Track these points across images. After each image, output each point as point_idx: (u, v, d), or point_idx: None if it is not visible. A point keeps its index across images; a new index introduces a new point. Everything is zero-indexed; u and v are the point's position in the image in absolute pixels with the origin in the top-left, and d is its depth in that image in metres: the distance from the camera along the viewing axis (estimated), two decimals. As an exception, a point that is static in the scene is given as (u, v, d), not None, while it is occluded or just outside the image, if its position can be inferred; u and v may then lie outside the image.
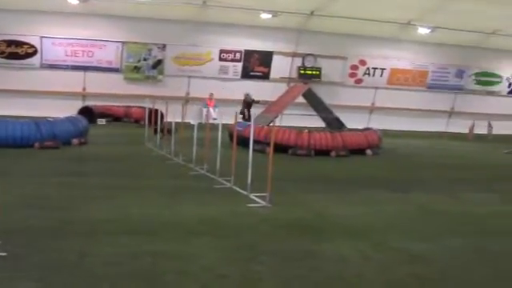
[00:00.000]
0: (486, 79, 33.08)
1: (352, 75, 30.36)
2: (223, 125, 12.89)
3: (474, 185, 13.70)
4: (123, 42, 27.32)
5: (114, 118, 26.45)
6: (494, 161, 19.86)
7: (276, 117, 20.03)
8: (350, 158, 17.63)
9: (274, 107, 21.07)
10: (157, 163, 14.40)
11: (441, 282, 6.16)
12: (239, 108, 23.82)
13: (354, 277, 6.13)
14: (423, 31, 27.91)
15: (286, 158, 16.45)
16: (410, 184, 13.12)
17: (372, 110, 30.68)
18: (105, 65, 27.34)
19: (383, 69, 30.54)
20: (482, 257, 7.27)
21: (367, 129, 20.92)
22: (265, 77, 28.99)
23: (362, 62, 30.28)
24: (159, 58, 27.99)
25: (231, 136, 15.49)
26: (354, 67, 30.31)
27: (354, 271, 6.32)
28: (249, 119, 23.88)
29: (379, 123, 25.90)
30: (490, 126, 30.01)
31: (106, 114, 26.25)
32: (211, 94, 27.11)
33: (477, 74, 32.77)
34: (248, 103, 25.58)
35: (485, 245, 7.84)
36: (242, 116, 24.78)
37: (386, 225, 8.76)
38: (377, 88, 30.57)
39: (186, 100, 26.85)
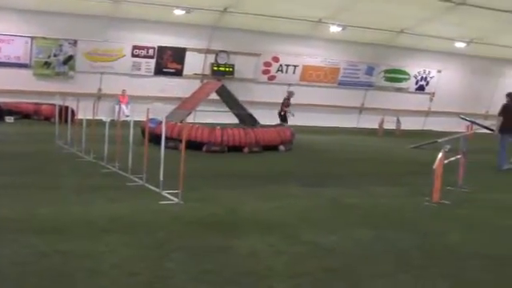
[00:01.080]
0: (395, 76, 34.05)
1: (265, 72, 30.60)
2: (136, 122, 12.80)
3: (383, 178, 14.12)
4: (32, 37, 26.51)
5: (23, 115, 25.62)
6: (402, 155, 20.47)
7: (189, 114, 20.00)
8: (263, 153, 17.81)
9: (187, 104, 21.00)
10: (67, 161, 14.07)
11: (349, 274, 6.33)
12: (152, 104, 23.64)
13: (264, 271, 6.21)
14: (334, 29, 28.43)
15: (199, 154, 16.44)
16: (322, 178, 13.38)
17: (285, 106, 31.07)
18: (13, 60, 26.42)
19: (296, 66, 30.95)
20: (388, 248, 7.52)
21: (280, 125, 21.17)
22: (178, 73, 28.83)
23: (275, 59, 30.56)
24: (70, 53, 27.33)
25: (144, 133, 15.36)
26: (267, 64, 30.56)
27: (265, 265, 6.41)
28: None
29: (292, 119, 26.25)
30: (398, 121, 30.90)
31: (15, 112, 25.40)
32: (124, 91, 26.78)
33: (386, 72, 33.66)
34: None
35: (391, 236, 8.13)
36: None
37: (297, 219, 8.91)
38: (290, 85, 30.89)
39: (98, 97, 26.41)
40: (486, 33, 29.77)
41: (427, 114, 35.39)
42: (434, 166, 10.67)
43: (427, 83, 34.84)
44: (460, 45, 31.55)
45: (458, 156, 12.70)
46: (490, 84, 35.90)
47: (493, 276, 6.56)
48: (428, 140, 22.95)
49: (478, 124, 22.15)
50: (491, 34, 29.82)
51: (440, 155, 10.87)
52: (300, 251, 7.10)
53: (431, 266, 6.80)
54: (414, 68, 34.33)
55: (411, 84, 34.55)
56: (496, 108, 34.34)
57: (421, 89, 34.86)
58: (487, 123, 25.28)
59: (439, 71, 34.72)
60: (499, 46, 31.75)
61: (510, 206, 11.32)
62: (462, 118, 22.07)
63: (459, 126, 27.26)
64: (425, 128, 34.02)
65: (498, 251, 7.66)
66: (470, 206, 10.99)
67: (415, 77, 34.53)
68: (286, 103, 25.79)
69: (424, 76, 34.68)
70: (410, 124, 31.92)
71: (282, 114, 25.64)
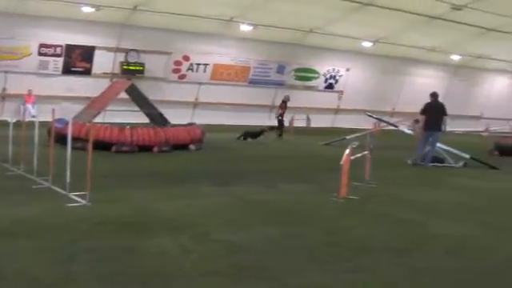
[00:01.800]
0: (305, 75, 34.55)
1: (176, 71, 30.40)
2: (43, 122, 12.47)
3: (293, 175, 14.33)
4: None
5: None
6: (312, 152, 20.80)
7: (98, 113, 19.65)
8: (173, 153, 17.71)
9: (96, 104, 20.62)
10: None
11: (259, 271, 6.37)
12: (60, 104, 23.14)
13: (174, 270, 6.18)
14: (245, 28, 28.59)
15: (109, 155, 16.20)
16: (233, 177, 13.42)
17: (196, 105, 30.96)
18: None
19: (206, 64, 30.90)
20: (298, 244, 7.63)
21: (190, 124, 21.12)
22: (87, 72, 28.22)
23: (186, 58, 30.42)
24: (-28, 52, 26.33)
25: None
26: (178, 63, 30.37)
27: (174, 265, 6.38)
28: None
29: (203, 118, 26.25)
30: (308, 119, 31.37)
31: None
32: (30, 91, 26.01)
33: (296, 70, 34.10)
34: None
35: (300, 232, 8.25)
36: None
37: (207, 217, 8.91)
38: (200, 83, 30.88)
39: (3, 97, 25.57)
40: (391, 33, 30.71)
41: (336, 111, 36.12)
42: (341, 162, 10.91)
43: (336, 82, 35.56)
44: (367, 44, 32.38)
45: (365, 152, 13.04)
46: (396, 82, 37.01)
47: (401, 268, 6.76)
48: (337, 137, 23.41)
49: (385, 121, 22.77)
50: (396, 34, 30.78)
51: (347, 152, 11.12)
52: (210, 249, 7.11)
53: (340, 260, 6.94)
54: (324, 67, 34.94)
55: (321, 82, 35.15)
56: (402, 105, 35.85)
57: (330, 87, 35.53)
58: (393, 120, 26.04)
59: (348, 70, 35.51)
60: (404, 45, 32.83)
61: (413, 200, 11.68)
62: (369, 116, 22.63)
63: (367, 123, 27.96)
64: (334, 125, 34.69)
65: (403, 244, 7.91)
66: (376, 200, 11.29)
67: (324, 75, 35.15)
68: (282, 107, 27.19)
69: (333, 74, 35.36)
70: (319, 122, 32.51)
71: (280, 118, 27.17)
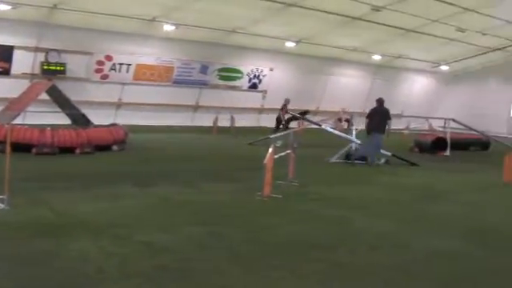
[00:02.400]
0: (229, 75, 34.51)
1: (98, 71, 29.81)
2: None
3: (217, 175, 14.31)
4: None
5: None
6: (237, 152, 20.82)
7: (18, 115, 19.12)
8: (95, 154, 17.39)
9: (16, 105, 20.05)
10: None
11: (182, 271, 6.37)
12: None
13: (95, 273, 6.11)
14: (168, 28, 28.33)
15: (29, 157, 15.78)
16: (156, 177, 13.31)
17: (119, 105, 30.51)
18: None
19: (129, 64, 30.42)
20: (221, 243, 7.65)
21: (113, 124, 20.81)
22: (5, 72, 27.33)
23: (108, 58, 29.87)
24: None
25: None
26: (100, 63, 29.80)
27: (96, 268, 6.29)
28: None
29: (126, 119, 25.91)
30: (232, 119, 31.41)
31: None
32: None
33: (220, 70, 34.03)
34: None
35: (223, 231, 8.27)
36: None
37: (129, 219, 8.83)
38: (123, 84, 30.43)
39: None
40: (314, 33, 31.06)
41: (261, 111, 36.28)
42: (265, 161, 10.98)
43: (260, 81, 35.69)
44: (290, 44, 32.65)
45: (288, 151, 13.18)
46: (320, 82, 37.48)
47: (322, 264, 6.87)
48: (262, 136, 23.54)
49: (308, 120, 23.03)
50: (319, 34, 31.16)
51: (270, 150, 11.20)
52: (132, 251, 7.05)
53: (263, 258, 7.00)
54: (247, 66, 35.02)
55: (244, 82, 35.21)
56: (326, 104, 36.37)
57: (254, 87, 35.63)
58: (316, 119, 26.36)
59: (271, 70, 35.70)
60: (327, 45, 33.30)
61: (336, 197, 11.90)
62: (292, 115, 22.86)
63: (292, 122, 28.28)
64: (259, 125, 34.84)
65: (325, 240, 8.04)
66: (299, 198, 11.45)
67: (248, 75, 35.22)
68: (284, 109, 28.31)
69: (257, 74, 35.49)
70: (244, 121, 32.59)
71: (283, 122, 28.41)
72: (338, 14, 27.70)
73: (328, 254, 7.37)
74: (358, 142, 18.90)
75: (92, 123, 20.40)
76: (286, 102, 29.87)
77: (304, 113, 26.55)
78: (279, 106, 31.51)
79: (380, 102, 19.18)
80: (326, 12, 26.96)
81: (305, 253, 7.37)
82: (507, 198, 13.05)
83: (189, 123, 32.24)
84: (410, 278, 6.61)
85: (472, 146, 25.92)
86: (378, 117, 18.58)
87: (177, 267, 6.49)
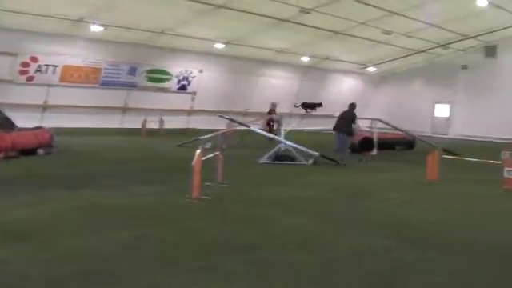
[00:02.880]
0: (157, 76, 34.32)
1: (23, 72, 29.13)
2: None
3: (146, 178, 14.17)
4: None
5: None
6: (166, 154, 20.69)
7: None
8: (20, 158, 16.97)
9: None
10: None
11: (109, 275, 6.28)
12: None
13: (18, 281, 5.95)
14: (95, 29, 27.94)
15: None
16: (83, 181, 13.08)
17: (45, 108, 29.89)
18: None
19: (55, 66, 29.87)
20: (149, 247, 7.57)
21: (38, 127, 20.35)
22: None
23: (34, 59, 29.23)
24: None
25: None
26: (25, 64, 29.11)
27: (19, 275, 6.14)
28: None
29: (53, 121, 25.45)
30: (161, 121, 31.24)
31: None
32: None
33: (149, 72, 33.81)
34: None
35: (152, 235, 8.20)
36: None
37: (56, 223, 8.66)
38: (50, 85, 29.83)
39: None
40: (243, 35, 31.21)
41: (190, 112, 36.20)
42: (193, 163, 10.95)
43: (189, 83, 35.63)
44: (219, 46, 32.71)
45: (217, 152, 13.17)
46: (249, 83, 37.71)
47: (249, 264, 6.88)
48: (191, 138, 23.46)
49: (237, 122, 23.06)
50: (248, 35, 31.34)
51: (198, 152, 11.17)
52: (58, 257, 6.90)
53: (190, 260, 6.97)
54: (176, 68, 34.90)
55: (173, 84, 35.08)
56: (255, 106, 36.55)
57: (183, 88, 35.54)
58: (247, 120, 26.44)
59: (200, 71, 35.69)
60: (256, 47, 33.51)
61: (265, 197, 11.95)
62: (220, 116, 22.88)
63: (221, 124, 28.31)
64: (188, 126, 34.75)
65: (253, 240, 8.07)
66: (228, 199, 11.45)
67: (177, 77, 35.11)
68: (271, 113, 29.25)
69: (186, 76, 35.40)
70: (173, 123, 32.46)
71: (272, 124, 29.13)
72: (266, 16, 27.95)
73: (255, 254, 7.40)
74: (287, 142, 19.06)
75: (16, 126, 19.87)
76: (274, 106, 30.62)
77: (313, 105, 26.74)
78: (209, 108, 31.57)
79: (351, 105, 20.47)
80: (255, 14, 27.17)
81: (232, 253, 7.38)
82: (430, 196, 13.39)
83: (117, 125, 31.91)
84: (335, 274, 6.70)
85: (398, 146, 26.53)
86: (344, 119, 19.98)
87: (103, 271, 6.40)
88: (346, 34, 32.64)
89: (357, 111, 20.35)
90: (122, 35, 29.24)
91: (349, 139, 20.30)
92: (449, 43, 37.96)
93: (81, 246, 7.37)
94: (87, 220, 9.08)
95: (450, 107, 41.91)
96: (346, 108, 20.41)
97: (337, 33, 32.25)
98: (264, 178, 15.20)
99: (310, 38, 33.06)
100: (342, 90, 44.11)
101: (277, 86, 39.36)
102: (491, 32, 35.82)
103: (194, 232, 8.52)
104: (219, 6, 25.96)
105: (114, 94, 32.35)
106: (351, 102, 20.91)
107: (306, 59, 38.19)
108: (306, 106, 25.45)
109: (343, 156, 19.35)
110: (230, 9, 26.18)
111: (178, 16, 27.24)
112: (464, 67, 40.88)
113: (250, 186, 13.41)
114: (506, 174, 14.61)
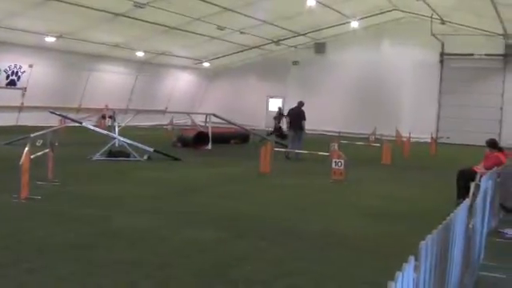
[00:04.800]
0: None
1: None
2: None
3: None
4: None
5: None
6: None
7: None
8: None
9: None
10: None
11: None
12: None
13: None
14: None
15: None
16: None
17: None
18: None
19: None
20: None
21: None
22: None
23: None
24: None
25: None
26: None
27: None
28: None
29: None
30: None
31: None
32: None
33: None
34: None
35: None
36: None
37: None
38: None
39: None
40: (76, 29, 30.39)
41: (20, 109, 34.69)
42: (21, 162, 10.62)
43: (19, 78, 34.06)
44: (50, 39, 31.63)
45: (47, 150, 12.86)
46: (83, 78, 36.74)
47: (81, 264, 6.85)
48: (21, 136, 22.57)
49: (69, 118, 22.54)
50: (81, 30, 30.56)
51: (26, 150, 10.86)
52: None
53: (19, 262, 6.81)
54: (4, 63, 33.23)
55: (1, 79, 33.38)
56: (89, 101, 35.80)
57: (12, 84, 33.89)
58: (80, 116, 25.91)
59: (31, 66, 34.25)
60: (90, 41, 32.77)
61: (96, 195, 11.82)
62: (52, 112, 22.25)
63: (54, 120, 27.43)
64: (18, 124, 33.31)
65: (84, 240, 8.02)
66: (59, 198, 11.23)
67: (6, 71, 33.44)
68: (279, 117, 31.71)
69: (15, 71, 33.77)
70: (1, 120, 31.05)
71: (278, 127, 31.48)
72: (100, 10, 27.46)
73: (87, 253, 7.37)
74: (121, 138, 18.94)
75: None
76: (280, 110, 33.12)
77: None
78: (41, 104, 30.58)
79: (300, 103, 21.95)
80: (88, 7, 26.60)
81: (64, 254, 7.29)
82: (262, 188, 13.92)
83: None
84: (167, 268, 6.86)
85: (233, 140, 27.19)
86: (294, 116, 21.65)
87: None
88: (180, 30, 32.79)
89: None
90: None
91: (303, 134, 21.75)
92: (281, 40, 39.34)
93: None
94: None
95: (283, 101, 43.42)
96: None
97: (172, 28, 32.33)
98: (97, 176, 15.00)
99: (145, 33, 32.88)
100: (178, 85, 44.19)
101: (111, 82, 38.73)
102: (320, 30, 37.63)
103: (23, 233, 8.29)
104: (50, -1, 25.18)
105: None
106: (300, 100, 22.41)
107: (141, 54, 37.87)
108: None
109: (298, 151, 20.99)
110: (61, 1, 25.42)
111: (6, 7, 26.01)
112: (295, 63, 42.52)
113: (82, 184, 13.21)
114: (333, 165, 15.50)
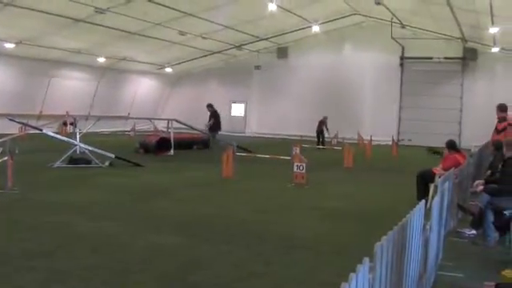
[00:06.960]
0: None
1: None
2: None
3: None
4: None
5: None
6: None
7: None
8: None
9: None
10: None
11: None
12: None
13: None
14: None
15: None
16: None
17: None
18: None
19: None
20: None
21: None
22: None
23: None
24: None
25: None
26: None
27: None
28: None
29: None
30: None
31: None
32: None
33: None
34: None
35: None
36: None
37: None
38: None
39: None
40: (35, 34, 30.03)
41: (-22, 116, 34.16)
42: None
43: (-24, 85, 33.57)
44: (10, 46, 31.22)
45: (5, 158, 12.70)
46: (43, 85, 36.28)
47: (41, 272, 6.78)
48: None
49: (29, 125, 22.23)
50: (41, 35, 30.21)
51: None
52: None
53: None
54: None
55: None
56: (49, 108, 35.38)
57: (-31, 91, 33.40)
58: (41, 123, 25.60)
59: (-11, 72, 33.80)
60: (50, 47, 32.40)
61: (57, 202, 11.70)
62: (11, 120, 21.92)
63: (13, 128, 27.02)
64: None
65: (45, 247, 7.93)
66: (19, 206, 11.10)
67: None
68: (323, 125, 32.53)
69: (-27, 77, 33.33)
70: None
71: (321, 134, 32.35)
72: (60, 16, 27.19)
73: (47, 261, 7.30)
74: (82, 145, 18.78)
75: None
76: (325, 118, 33.15)
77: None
78: (2, 111, 30.10)
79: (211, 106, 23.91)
80: (48, 13, 26.32)
81: (24, 262, 7.19)
82: (224, 193, 13.94)
83: None
84: (129, 275, 6.83)
85: (195, 145, 27.15)
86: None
87: None
88: (141, 35, 32.64)
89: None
90: None
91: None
92: (243, 44, 39.42)
93: None
94: None
95: (246, 106, 43.47)
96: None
97: (133, 33, 32.14)
98: (58, 183, 14.80)
99: (106, 39, 32.64)
100: (139, 90, 43.87)
101: (73, 88, 38.34)
102: (282, 34, 37.77)
103: (-19, 242, 8.19)
104: (7, 4, 24.81)
105: None
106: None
107: (102, 60, 37.57)
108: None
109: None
110: (20, 7, 25.11)
111: (-39, 14, 25.65)
112: (257, 68, 42.59)
113: (42, 192, 13.03)
114: (295, 169, 15.58)
